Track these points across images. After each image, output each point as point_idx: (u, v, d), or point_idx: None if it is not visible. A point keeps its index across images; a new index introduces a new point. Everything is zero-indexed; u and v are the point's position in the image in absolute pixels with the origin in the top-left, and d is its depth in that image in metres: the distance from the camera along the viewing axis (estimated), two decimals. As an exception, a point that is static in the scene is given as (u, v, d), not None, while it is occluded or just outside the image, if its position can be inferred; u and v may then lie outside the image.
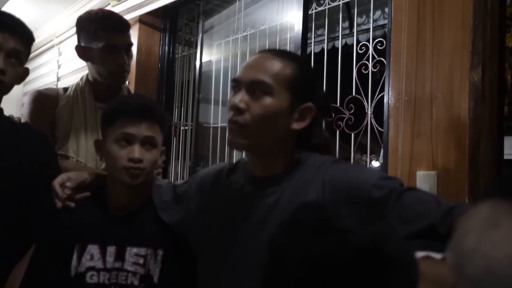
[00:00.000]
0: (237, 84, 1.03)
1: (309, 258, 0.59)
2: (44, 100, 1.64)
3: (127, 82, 2.12)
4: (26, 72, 1.38)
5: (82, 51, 1.66)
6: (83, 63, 1.72)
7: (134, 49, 3.04)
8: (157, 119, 1.20)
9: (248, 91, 1.00)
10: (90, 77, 1.68)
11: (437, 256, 0.73)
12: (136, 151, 1.15)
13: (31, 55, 4.57)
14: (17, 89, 4.26)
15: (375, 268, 0.58)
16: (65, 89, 1.70)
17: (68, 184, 1.19)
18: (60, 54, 4.03)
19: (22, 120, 1.45)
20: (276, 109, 0.99)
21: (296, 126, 1.02)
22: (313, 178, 1.00)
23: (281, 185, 1.02)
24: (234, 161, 1.23)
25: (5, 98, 1.35)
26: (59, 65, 4.04)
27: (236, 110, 0.99)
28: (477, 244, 0.47)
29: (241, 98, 0.99)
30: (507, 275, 0.44)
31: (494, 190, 0.58)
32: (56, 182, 1.19)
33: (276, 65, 1.01)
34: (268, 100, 0.99)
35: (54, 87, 1.87)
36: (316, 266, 0.58)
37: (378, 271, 0.58)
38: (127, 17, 2.95)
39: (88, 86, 1.67)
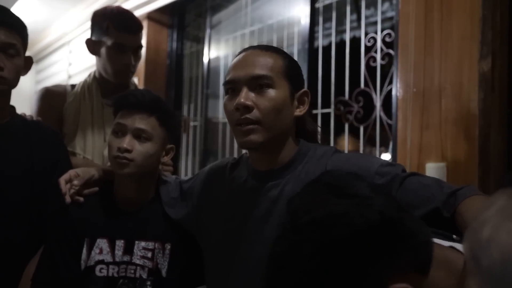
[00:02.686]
0: (233, 85, 1.02)
1: (332, 216, 0.59)
2: (52, 97, 1.66)
3: (136, 80, 2.14)
4: (29, 61, 1.36)
5: (91, 45, 1.67)
6: (93, 61, 1.73)
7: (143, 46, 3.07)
8: (154, 112, 1.20)
9: (250, 88, 1.00)
10: (97, 74, 1.70)
11: (445, 243, 0.73)
12: (125, 141, 1.16)
13: (42, 54, 4.59)
14: (29, 88, 4.33)
15: (394, 238, 0.58)
16: (73, 86, 1.72)
17: (75, 182, 1.20)
18: (70, 52, 4.06)
19: (34, 118, 1.46)
20: (282, 100, 1.01)
21: (298, 112, 1.05)
22: (315, 169, 1.01)
23: (284, 178, 1.03)
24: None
25: (16, 96, 1.36)
26: (69, 63, 4.07)
27: (244, 108, 0.99)
28: (493, 234, 0.47)
29: (246, 96, 0.99)
30: None
31: (510, 181, 0.57)
32: (62, 179, 1.21)
33: (268, 59, 1.02)
34: (272, 93, 1.00)
35: (62, 83, 1.88)
36: (338, 225, 0.58)
37: (396, 241, 0.58)
38: (135, 14, 2.96)
39: (95, 83, 1.69)
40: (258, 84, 1.00)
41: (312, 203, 0.62)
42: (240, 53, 1.07)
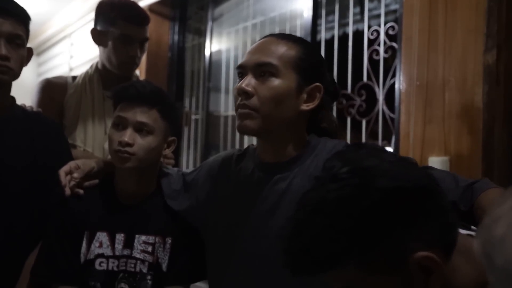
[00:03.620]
0: (242, 70, 1.02)
1: (377, 168, 0.60)
2: (53, 89, 1.64)
3: (137, 72, 2.13)
4: (30, 52, 1.36)
5: (97, 35, 1.65)
6: (95, 53, 1.71)
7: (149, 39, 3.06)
8: (155, 105, 1.17)
9: (254, 75, 0.99)
10: (99, 65, 1.67)
11: (465, 232, 0.73)
12: (126, 135, 1.14)
13: (44, 46, 4.57)
14: (30, 81, 4.32)
15: (432, 207, 0.60)
16: (74, 78, 1.70)
17: (75, 175, 1.19)
18: (72, 44, 4.05)
19: (34, 109, 1.45)
20: (284, 90, 0.98)
21: (305, 107, 1.01)
22: None
23: (292, 171, 1.01)
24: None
25: (18, 89, 1.35)
26: (71, 55, 4.06)
27: (244, 94, 0.98)
28: (508, 232, 0.46)
29: (247, 82, 0.99)
30: None
31: None
32: (62, 171, 1.19)
33: (280, 47, 1.00)
34: (275, 82, 0.98)
35: (64, 75, 1.86)
36: (382, 176, 0.59)
37: (433, 211, 0.60)
38: (137, 6, 2.95)
39: (97, 74, 1.67)
40: (262, 71, 0.99)
41: (354, 158, 0.63)
42: (260, 39, 1.07)
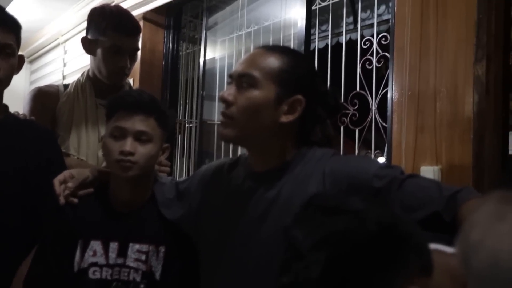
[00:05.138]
0: (230, 80, 1.05)
1: (332, 235, 0.60)
2: (45, 97, 1.63)
3: (131, 81, 2.12)
4: (22, 60, 1.36)
5: (87, 44, 1.64)
6: (88, 61, 1.71)
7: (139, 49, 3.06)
8: (153, 113, 1.19)
9: (237, 85, 1.02)
10: (90, 73, 1.67)
11: (448, 249, 0.73)
12: (127, 144, 1.15)
13: (37, 54, 4.55)
14: (23, 88, 4.30)
15: (394, 245, 0.60)
16: (66, 86, 1.69)
17: (69, 184, 1.19)
18: (65, 52, 4.05)
19: (27, 118, 1.45)
20: (260, 101, 1.00)
21: (284, 119, 1.01)
22: (313, 171, 1.00)
23: (281, 179, 1.02)
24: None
25: (10, 96, 1.35)
26: (64, 63, 4.05)
27: (225, 102, 1.02)
28: (483, 237, 0.47)
29: (229, 91, 1.02)
30: None
31: (501, 183, 0.58)
32: (57, 180, 1.20)
33: (265, 59, 1.02)
34: (253, 92, 1.00)
35: (55, 83, 1.84)
36: (339, 242, 0.59)
37: (397, 248, 0.60)
38: (131, 14, 2.95)
39: (89, 82, 1.66)
40: (243, 82, 1.01)
41: (309, 228, 0.63)
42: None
